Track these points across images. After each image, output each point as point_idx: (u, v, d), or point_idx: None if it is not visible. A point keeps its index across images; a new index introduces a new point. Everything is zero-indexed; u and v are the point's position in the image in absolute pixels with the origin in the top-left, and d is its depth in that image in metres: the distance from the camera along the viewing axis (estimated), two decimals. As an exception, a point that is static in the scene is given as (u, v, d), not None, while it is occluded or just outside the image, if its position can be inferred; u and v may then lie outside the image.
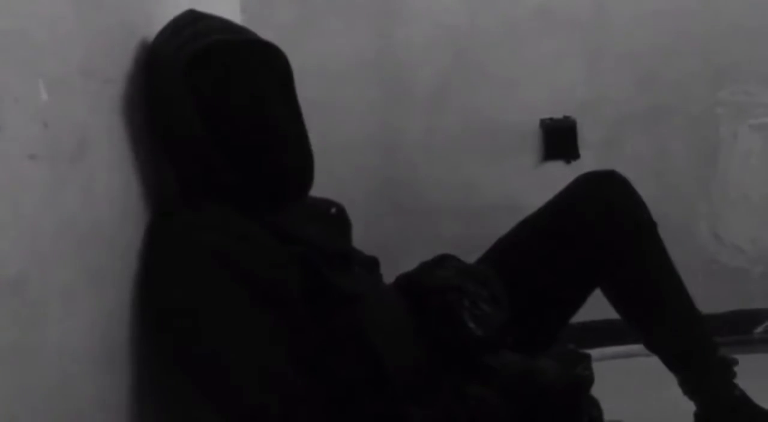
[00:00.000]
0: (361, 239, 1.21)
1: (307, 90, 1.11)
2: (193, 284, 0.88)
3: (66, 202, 0.69)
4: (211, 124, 0.95)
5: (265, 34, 1.10)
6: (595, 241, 1.17)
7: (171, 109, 0.96)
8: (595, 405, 1.00)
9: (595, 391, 1.00)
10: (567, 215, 1.20)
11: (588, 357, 1.01)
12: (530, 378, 0.97)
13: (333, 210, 1.13)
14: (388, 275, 1.22)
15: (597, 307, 1.27)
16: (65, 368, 0.68)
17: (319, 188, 1.18)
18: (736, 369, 1.20)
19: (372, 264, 1.15)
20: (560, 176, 1.29)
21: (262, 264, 0.91)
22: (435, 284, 1.10)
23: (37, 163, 0.63)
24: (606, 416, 0.99)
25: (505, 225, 1.30)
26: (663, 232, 1.25)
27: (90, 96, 0.78)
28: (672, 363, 1.22)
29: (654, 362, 1.24)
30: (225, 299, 0.88)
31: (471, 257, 1.29)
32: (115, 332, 0.83)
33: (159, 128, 0.99)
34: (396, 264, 1.26)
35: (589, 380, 0.98)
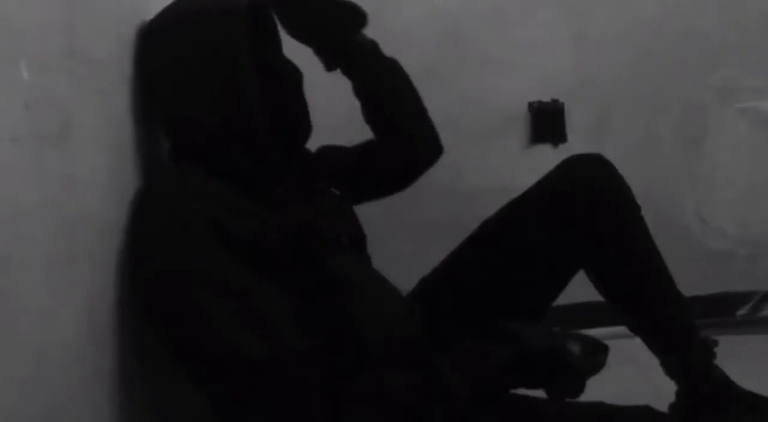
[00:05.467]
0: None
1: (293, 72, 1.11)
2: (182, 249, 0.85)
3: (48, 184, 0.69)
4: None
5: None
6: (579, 224, 1.18)
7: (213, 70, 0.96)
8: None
9: (578, 372, 1.01)
10: (552, 198, 1.21)
11: (607, 349, 1.02)
12: (557, 356, 0.96)
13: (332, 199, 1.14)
14: (375, 256, 1.23)
15: (581, 289, 1.28)
16: (48, 352, 0.68)
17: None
18: (716, 350, 1.22)
19: (360, 243, 1.15)
20: (548, 159, 1.30)
21: (252, 230, 0.89)
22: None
23: (18, 145, 0.63)
24: (588, 397, 1.00)
25: (491, 208, 1.31)
26: (649, 214, 1.26)
27: (73, 77, 0.77)
28: (654, 344, 1.24)
29: (637, 343, 1.26)
30: (216, 263, 0.85)
31: (457, 239, 1.30)
32: (100, 315, 0.83)
33: (166, 97, 0.99)
34: (382, 246, 1.26)
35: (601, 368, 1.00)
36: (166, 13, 1.03)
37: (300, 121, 1.12)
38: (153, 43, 1.01)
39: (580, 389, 0.98)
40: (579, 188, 1.19)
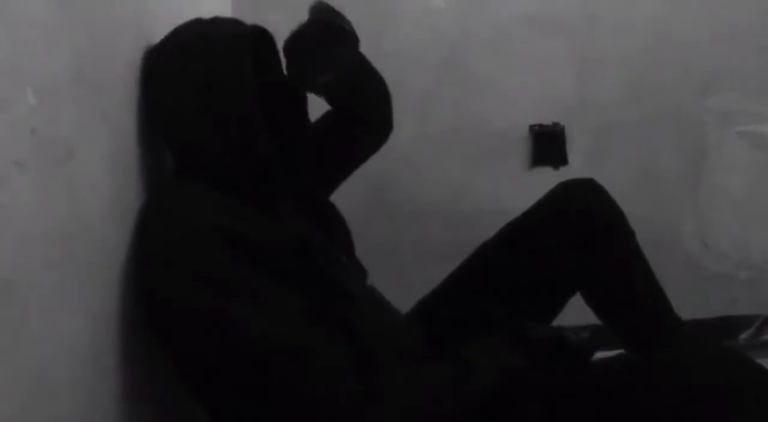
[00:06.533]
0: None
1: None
2: (196, 257, 0.85)
3: (53, 207, 0.70)
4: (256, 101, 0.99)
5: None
6: (572, 248, 1.18)
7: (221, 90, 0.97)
8: None
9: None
10: (546, 222, 1.22)
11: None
12: (559, 341, 1.00)
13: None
14: (374, 278, 1.23)
15: (581, 312, 1.28)
16: (52, 374, 0.68)
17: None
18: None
19: (362, 273, 1.16)
20: (548, 181, 1.31)
21: (261, 238, 0.90)
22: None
23: (24, 169, 0.63)
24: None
25: (492, 230, 1.31)
26: (650, 237, 1.26)
27: (79, 102, 0.78)
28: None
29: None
30: (231, 268, 0.86)
31: (458, 260, 1.31)
32: (104, 336, 0.83)
33: (170, 121, 1.00)
34: (384, 268, 1.26)
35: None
36: (172, 37, 1.05)
37: (302, 141, 1.13)
38: (158, 66, 1.02)
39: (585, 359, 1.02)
40: (572, 213, 1.20)
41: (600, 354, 1.48)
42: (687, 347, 1.10)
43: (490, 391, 0.90)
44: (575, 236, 1.18)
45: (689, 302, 1.32)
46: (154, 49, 1.04)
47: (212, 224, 0.87)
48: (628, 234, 1.22)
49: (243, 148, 0.97)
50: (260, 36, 1.11)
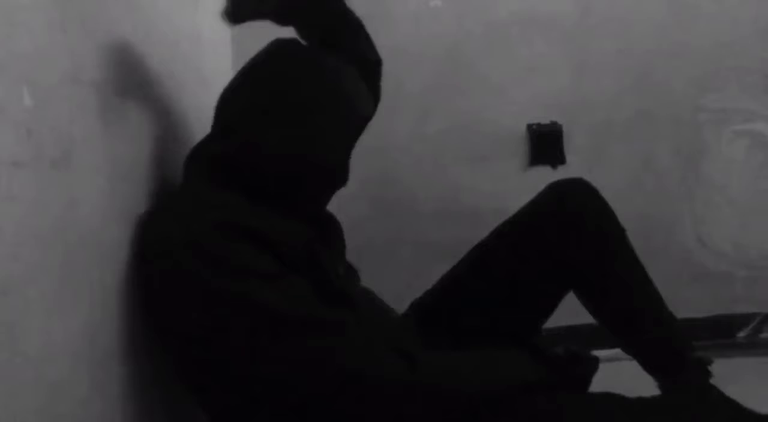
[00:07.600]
0: (346, 241, 1.22)
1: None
2: (219, 251, 0.88)
3: (50, 209, 0.70)
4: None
5: (254, 31, 1.11)
6: (563, 248, 1.19)
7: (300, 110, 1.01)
8: None
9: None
10: (537, 222, 1.22)
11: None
12: (573, 352, 1.07)
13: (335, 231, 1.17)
14: (373, 277, 1.24)
15: (574, 312, 1.28)
16: (49, 379, 0.68)
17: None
18: (716, 373, 1.21)
19: (355, 274, 1.17)
20: (546, 181, 1.31)
21: (273, 233, 0.94)
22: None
23: (20, 170, 0.64)
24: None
25: (491, 230, 1.31)
26: (647, 236, 1.26)
27: (75, 102, 0.78)
28: (648, 365, 1.23)
29: (633, 366, 1.26)
30: (253, 258, 0.90)
31: (457, 259, 1.31)
32: (103, 339, 0.83)
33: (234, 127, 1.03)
34: (381, 267, 1.27)
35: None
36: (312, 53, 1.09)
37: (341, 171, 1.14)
38: (291, 72, 1.04)
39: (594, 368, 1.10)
40: (562, 213, 1.21)
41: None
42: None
43: (508, 396, 0.95)
44: (567, 235, 1.19)
45: (686, 300, 1.32)
46: (291, 58, 1.06)
47: (228, 219, 0.90)
48: (619, 232, 1.23)
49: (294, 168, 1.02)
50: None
